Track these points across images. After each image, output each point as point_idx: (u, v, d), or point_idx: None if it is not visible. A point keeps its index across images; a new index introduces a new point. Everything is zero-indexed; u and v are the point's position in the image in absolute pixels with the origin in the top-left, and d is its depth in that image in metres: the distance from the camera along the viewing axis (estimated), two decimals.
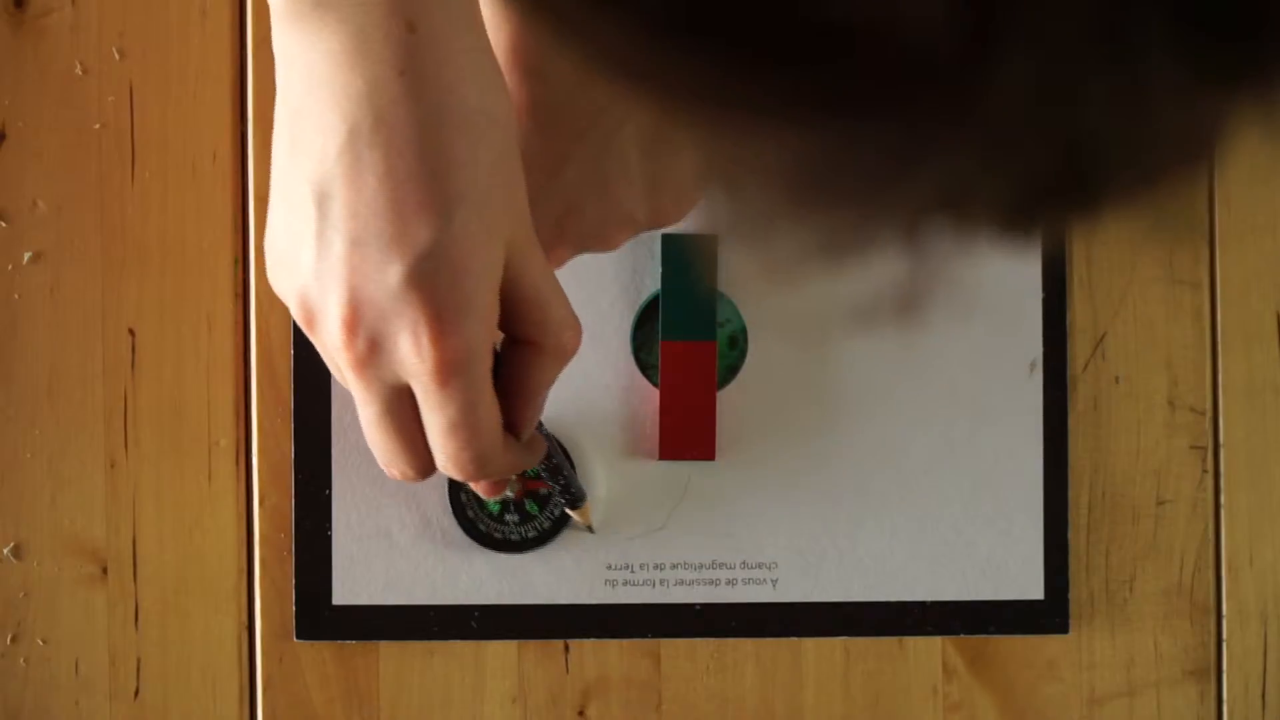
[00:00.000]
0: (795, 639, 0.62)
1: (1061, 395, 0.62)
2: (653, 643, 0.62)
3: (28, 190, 0.61)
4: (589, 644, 0.62)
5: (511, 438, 0.47)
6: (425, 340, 0.42)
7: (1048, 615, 0.62)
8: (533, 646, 0.62)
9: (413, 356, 0.42)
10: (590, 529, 0.60)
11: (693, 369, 0.61)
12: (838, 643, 0.62)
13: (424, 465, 0.46)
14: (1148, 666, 0.63)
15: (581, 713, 0.62)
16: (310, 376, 0.61)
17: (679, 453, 0.61)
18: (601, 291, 0.61)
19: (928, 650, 0.62)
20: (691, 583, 0.61)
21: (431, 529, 0.61)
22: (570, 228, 0.52)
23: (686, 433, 0.61)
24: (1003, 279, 0.62)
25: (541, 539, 0.60)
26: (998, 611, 0.62)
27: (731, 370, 0.62)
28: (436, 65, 0.41)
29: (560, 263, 0.52)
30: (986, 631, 0.62)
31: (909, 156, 0.23)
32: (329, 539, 0.61)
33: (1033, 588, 0.62)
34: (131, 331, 0.62)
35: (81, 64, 0.62)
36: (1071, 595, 0.62)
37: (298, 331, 0.61)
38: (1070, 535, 0.62)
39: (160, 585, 0.61)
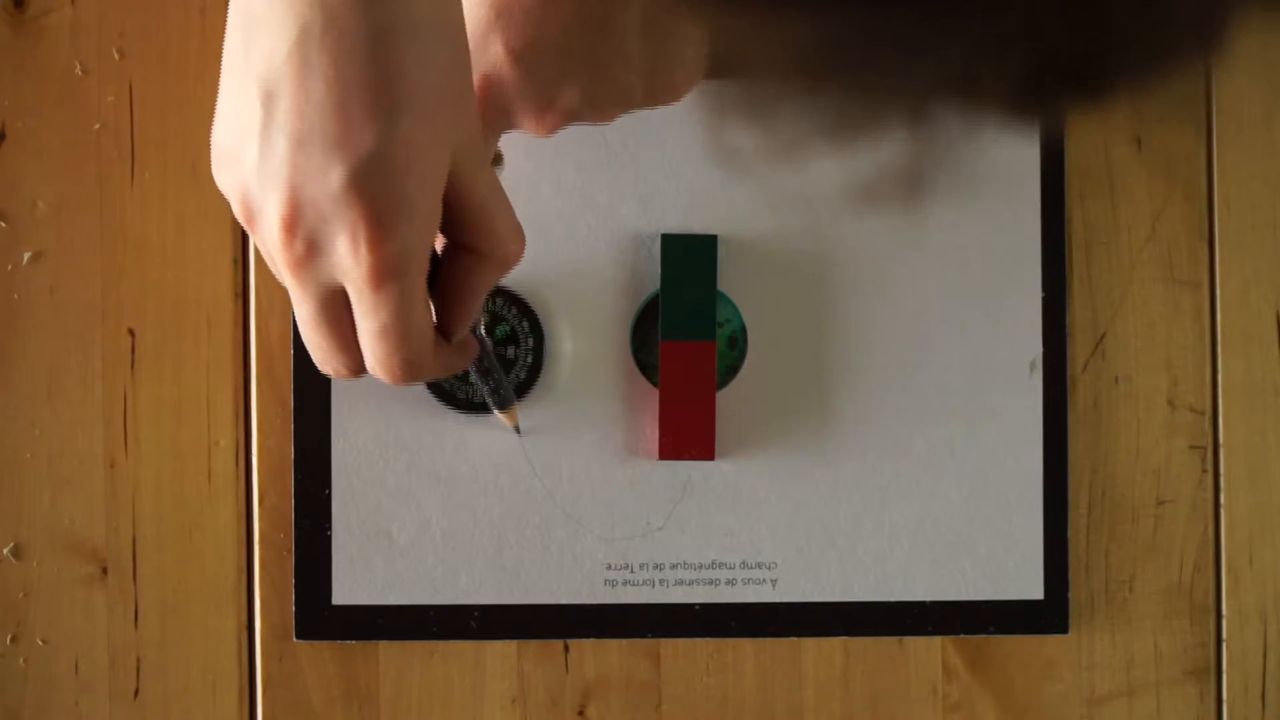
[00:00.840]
0: (795, 639, 0.62)
1: (1061, 395, 0.62)
2: (652, 643, 0.62)
3: (28, 190, 0.61)
4: (589, 644, 0.62)
5: (443, 341, 0.47)
6: (362, 244, 0.42)
7: (1047, 615, 0.62)
8: (533, 646, 0.62)
9: (349, 260, 0.42)
10: (517, 430, 0.60)
11: (693, 369, 0.61)
12: (838, 643, 0.62)
13: (357, 365, 0.46)
14: (1148, 666, 0.63)
15: (581, 713, 0.62)
16: (310, 376, 0.61)
17: (679, 453, 0.61)
18: (601, 291, 0.61)
19: (928, 650, 0.62)
20: (691, 583, 0.61)
21: (431, 529, 0.61)
22: (563, 100, 0.51)
23: (686, 433, 0.61)
24: (1003, 279, 0.62)
25: (505, 402, 0.60)
26: (998, 611, 0.62)
27: (731, 370, 0.62)
28: None
29: (550, 130, 0.52)
30: (986, 631, 0.62)
31: (923, 40, 0.24)
32: (329, 539, 0.61)
33: (1033, 588, 0.62)
34: (131, 331, 0.62)
35: (81, 64, 0.62)
36: (1071, 595, 0.62)
37: (297, 331, 0.61)
38: (1070, 535, 0.62)
39: (160, 585, 0.61)
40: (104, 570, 0.61)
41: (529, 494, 0.61)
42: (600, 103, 0.51)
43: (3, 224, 0.61)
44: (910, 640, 0.62)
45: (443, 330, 0.47)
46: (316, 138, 0.41)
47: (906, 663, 0.62)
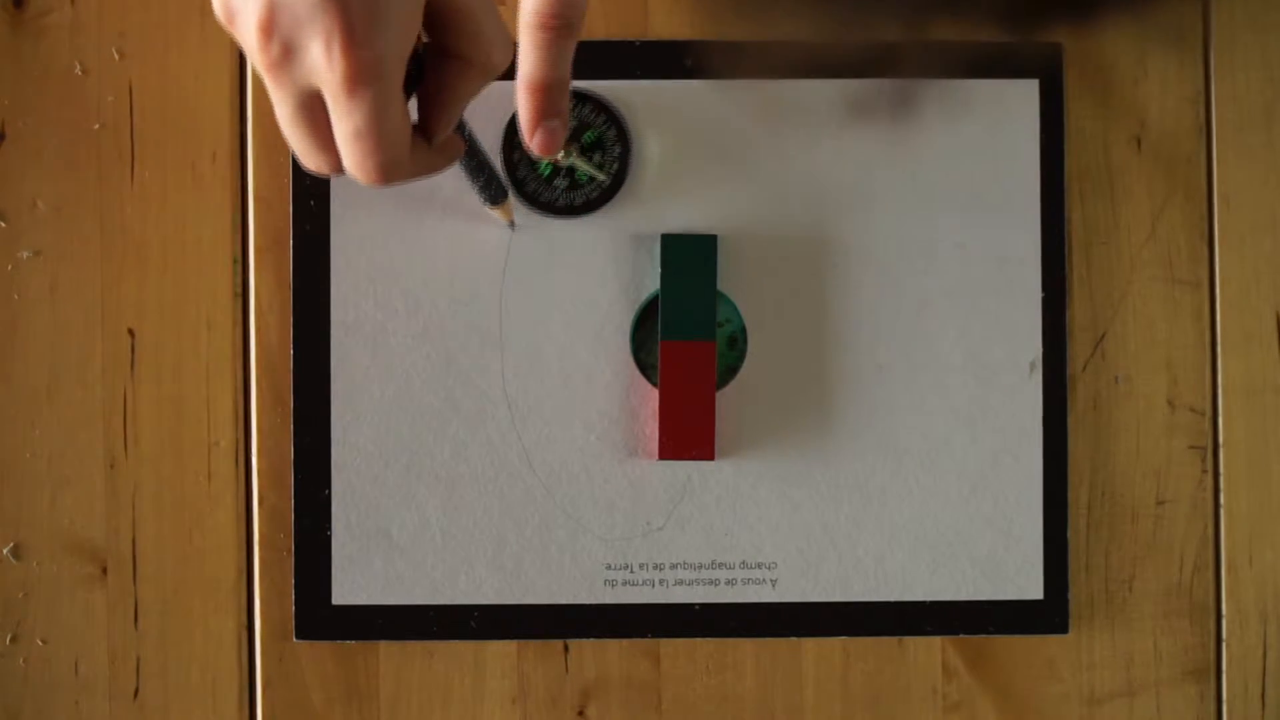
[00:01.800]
0: (795, 639, 0.62)
1: (1061, 395, 0.62)
2: (652, 643, 0.62)
3: (28, 190, 0.61)
4: (589, 644, 0.62)
5: (424, 143, 0.47)
6: (336, 50, 0.42)
7: (1048, 615, 0.62)
8: (533, 646, 0.62)
9: (323, 64, 0.43)
10: (511, 225, 0.61)
11: (693, 369, 0.61)
12: (838, 643, 0.62)
13: (337, 163, 0.46)
14: (1148, 666, 0.63)
15: (581, 713, 0.62)
16: (310, 376, 0.61)
17: (679, 453, 0.61)
18: (601, 291, 0.61)
19: (928, 650, 0.62)
20: (691, 583, 0.61)
21: (431, 529, 0.61)
22: None
23: (686, 433, 0.61)
24: (1003, 279, 0.62)
25: (588, 207, 0.61)
26: (998, 611, 0.62)
27: (731, 370, 0.62)
28: None
29: None
30: (986, 631, 0.62)
31: None
32: (329, 539, 0.61)
33: (1033, 588, 0.62)
34: (131, 331, 0.62)
35: (81, 64, 0.62)
36: (1071, 595, 0.62)
37: (297, 331, 0.61)
38: (1070, 535, 0.62)
39: (160, 585, 0.61)
40: (104, 570, 0.61)
41: (529, 494, 0.61)
42: None
43: (3, 224, 0.62)
44: (910, 640, 0.62)
45: (424, 132, 0.48)
46: None
47: (906, 663, 0.62)
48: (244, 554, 0.62)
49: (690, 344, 0.61)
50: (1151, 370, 0.63)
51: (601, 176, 0.61)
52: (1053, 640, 0.62)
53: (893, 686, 0.62)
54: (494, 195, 0.58)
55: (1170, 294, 0.63)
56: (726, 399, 0.61)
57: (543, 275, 0.61)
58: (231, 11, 0.44)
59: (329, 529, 0.61)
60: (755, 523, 0.61)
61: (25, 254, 0.61)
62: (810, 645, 0.62)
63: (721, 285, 0.61)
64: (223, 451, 0.62)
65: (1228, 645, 0.63)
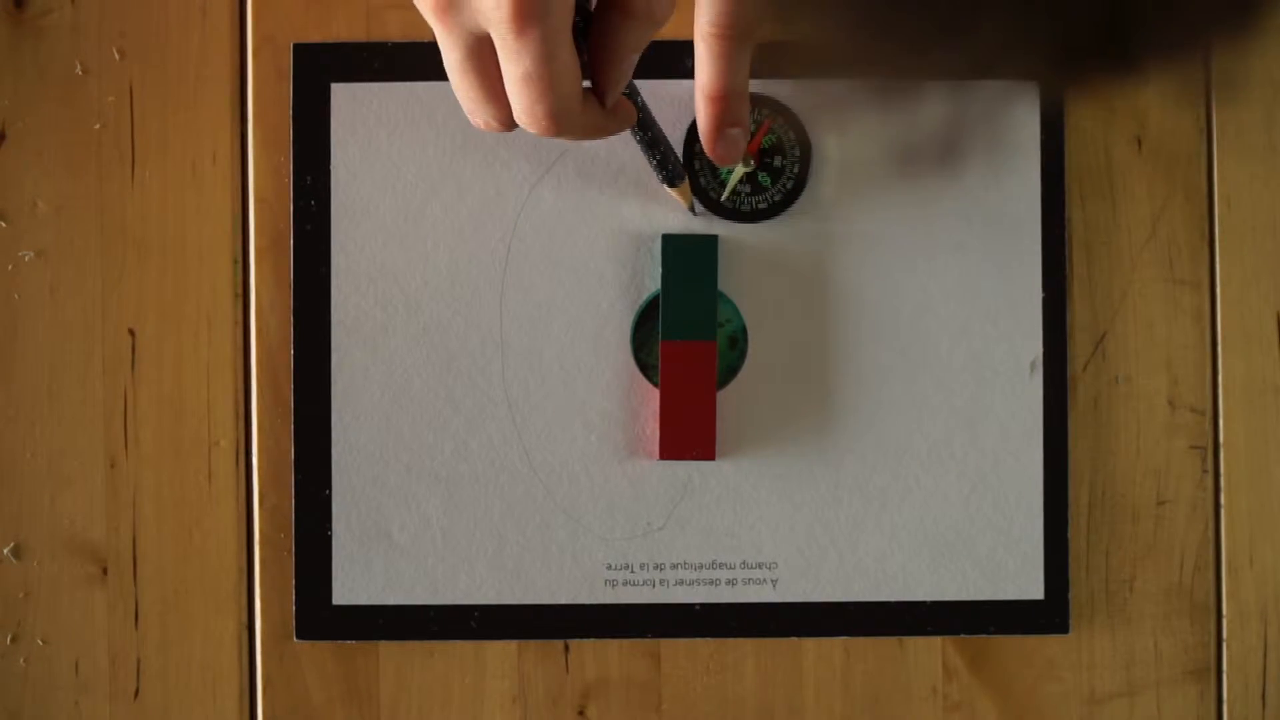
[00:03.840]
0: (795, 639, 0.62)
1: (1061, 395, 0.62)
2: (653, 643, 0.62)
3: (28, 190, 0.61)
4: (589, 644, 0.62)
5: (595, 100, 0.47)
6: None
7: (1048, 615, 0.62)
8: (533, 646, 0.62)
9: (490, 4, 0.42)
10: (692, 209, 0.60)
11: (693, 369, 0.61)
12: (838, 643, 0.62)
13: (505, 116, 0.46)
14: (1148, 666, 0.63)
15: (581, 713, 0.62)
16: (310, 376, 0.61)
17: (679, 453, 0.61)
18: (601, 291, 0.61)
19: (928, 650, 0.62)
20: (691, 583, 0.61)
21: (431, 529, 0.61)
22: None
23: (686, 433, 0.61)
24: (1003, 279, 0.62)
25: (771, 211, 0.60)
26: (998, 611, 0.62)
27: (731, 370, 0.62)
28: None
29: None
30: (986, 631, 0.62)
31: (961, 11, 0.24)
32: (329, 539, 0.61)
33: (1033, 588, 0.62)
34: (131, 331, 0.62)
35: (81, 64, 0.62)
36: (1071, 595, 0.62)
37: (298, 331, 0.61)
38: (1070, 535, 0.62)
39: (160, 585, 0.61)
40: (104, 570, 0.61)
41: (529, 494, 0.61)
42: None
43: (3, 224, 0.62)
44: (910, 640, 0.62)
45: (597, 92, 0.47)
46: None
47: (906, 663, 0.62)
48: (244, 554, 0.62)
49: (690, 344, 0.61)
50: (1152, 370, 0.63)
51: (785, 180, 0.61)
52: (1053, 640, 0.62)
53: (893, 686, 0.62)
54: (671, 175, 0.58)
55: (1170, 294, 0.63)
56: (726, 399, 0.61)
57: (543, 275, 0.61)
58: None
59: (329, 529, 0.61)
60: (755, 523, 0.61)
61: (25, 254, 0.61)
62: (810, 645, 0.62)
63: (722, 285, 0.61)
64: (223, 451, 0.62)
65: (1228, 645, 0.63)
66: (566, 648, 0.62)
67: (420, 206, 0.61)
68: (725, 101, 0.52)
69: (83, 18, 0.62)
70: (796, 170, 0.61)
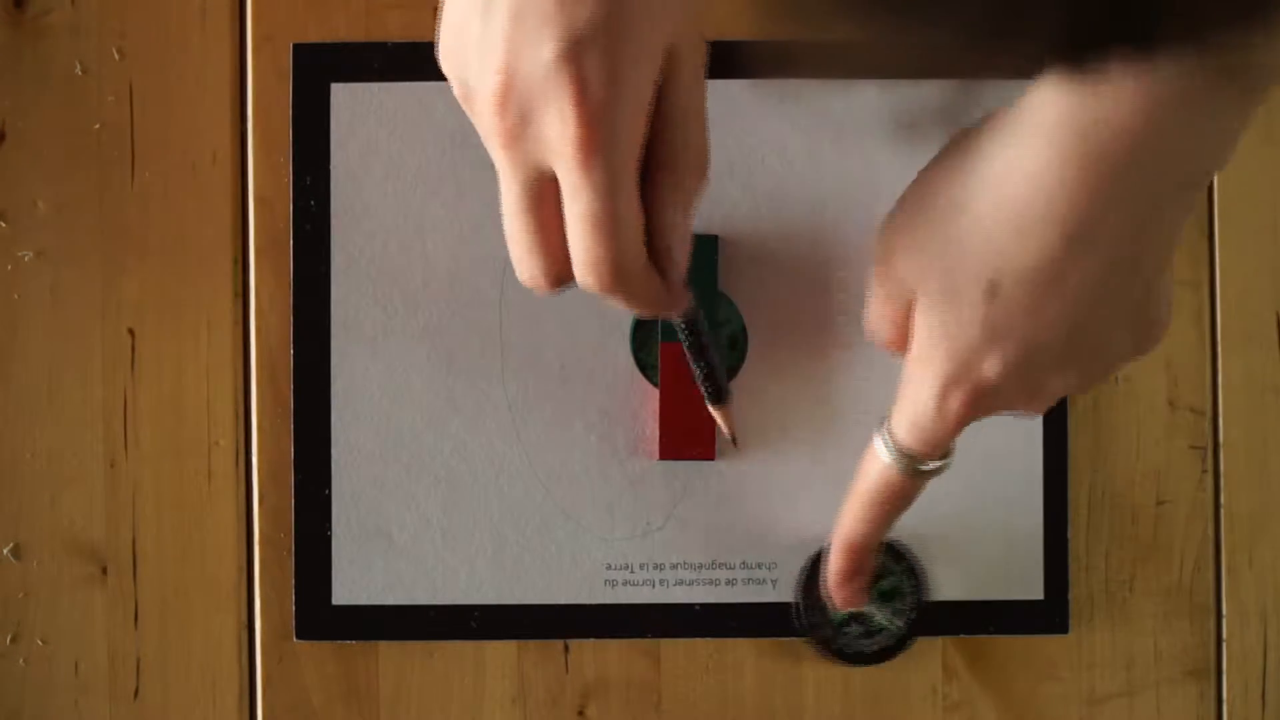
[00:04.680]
0: (795, 639, 0.62)
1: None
2: (652, 643, 0.62)
3: (28, 190, 0.61)
4: (589, 644, 0.62)
5: (655, 272, 0.46)
6: (570, 118, 0.41)
7: (1048, 615, 0.62)
8: (533, 646, 0.62)
9: (557, 133, 0.42)
10: (734, 439, 0.59)
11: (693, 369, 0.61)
12: None
13: (556, 269, 0.45)
14: (1148, 666, 0.63)
15: (581, 713, 0.62)
16: (310, 376, 0.61)
17: (679, 453, 0.61)
18: None
19: (928, 650, 0.62)
20: (691, 583, 0.61)
21: (431, 529, 0.61)
22: (1055, 387, 0.47)
23: (686, 433, 0.61)
24: None
25: (882, 655, 0.61)
26: (998, 611, 0.62)
27: (731, 370, 0.62)
28: None
29: (1039, 411, 0.48)
30: (986, 631, 0.62)
31: None
32: (329, 539, 0.61)
33: (1033, 588, 0.62)
34: (131, 331, 0.62)
35: (81, 64, 0.62)
36: (1071, 595, 0.62)
37: (297, 331, 0.61)
38: (1070, 535, 0.62)
39: (160, 585, 0.61)
40: (104, 570, 0.61)
41: (529, 494, 0.61)
42: (1091, 379, 0.47)
43: (3, 224, 0.62)
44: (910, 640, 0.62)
45: (655, 257, 0.47)
46: (533, 10, 0.41)
47: (906, 663, 0.62)
48: (244, 554, 0.62)
49: None
50: (1151, 370, 0.63)
51: (897, 625, 0.61)
52: (1053, 640, 0.62)
53: (893, 686, 0.62)
54: (714, 392, 0.57)
55: None
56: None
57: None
58: (469, 89, 0.43)
59: (329, 529, 0.61)
60: (755, 523, 0.61)
61: (25, 254, 0.61)
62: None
63: (721, 285, 0.61)
64: (223, 451, 0.62)
65: (1228, 645, 0.63)
66: (566, 648, 0.62)
67: (420, 206, 0.61)
68: (863, 555, 0.53)
69: (83, 18, 0.62)
70: (913, 615, 0.61)
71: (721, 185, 0.61)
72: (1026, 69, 0.25)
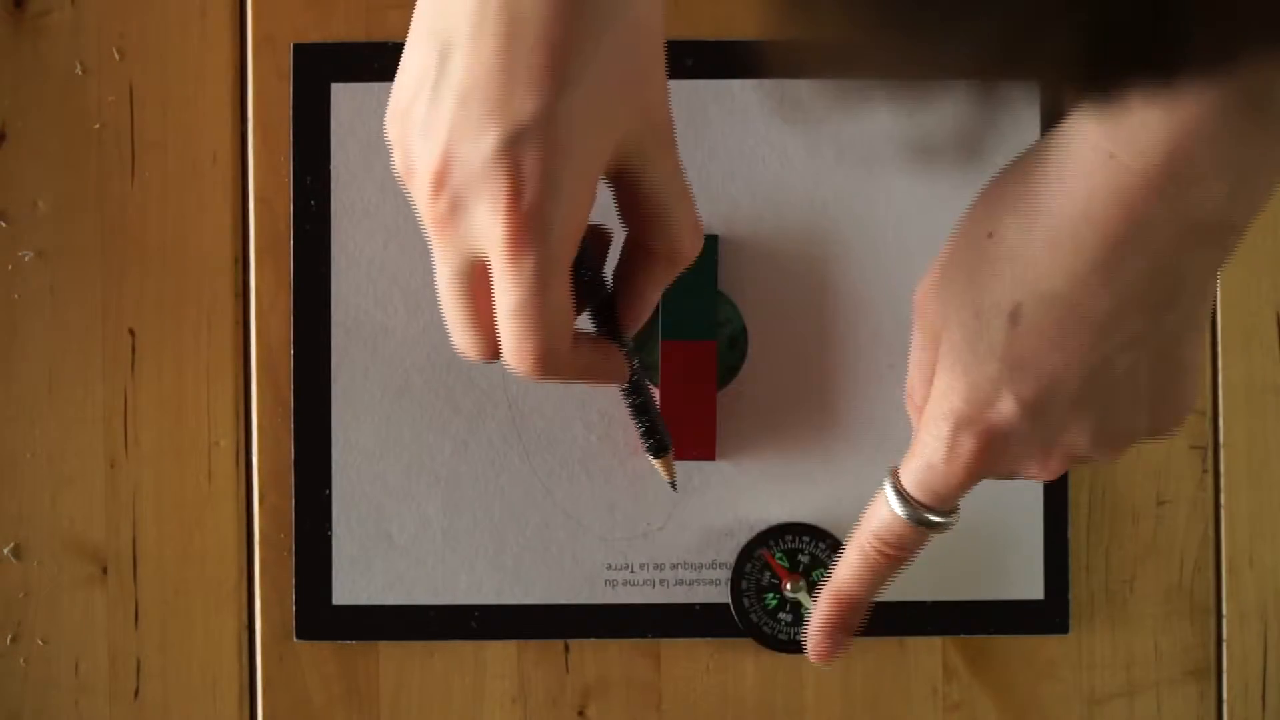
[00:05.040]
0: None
1: None
2: (652, 643, 0.62)
3: (28, 190, 0.61)
4: (589, 644, 0.62)
5: (586, 346, 0.46)
6: (502, 209, 0.41)
7: (1048, 615, 0.62)
8: (533, 646, 0.62)
9: (488, 223, 0.42)
10: (673, 484, 0.59)
11: (693, 369, 0.61)
12: None
13: (487, 346, 0.45)
14: (1148, 666, 0.63)
15: (581, 713, 0.62)
16: (310, 376, 0.61)
17: (679, 453, 0.61)
18: None
19: (928, 650, 0.62)
20: (691, 583, 0.61)
21: (431, 529, 0.61)
22: (1070, 442, 0.46)
23: (686, 433, 0.61)
24: None
25: (657, 451, 0.59)
26: (998, 611, 0.62)
27: (731, 370, 0.62)
28: None
29: (1053, 475, 0.47)
30: (986, 631, 0.62)
31: (977, 3, 0.23)
32: (329, 539, 0.61)
33: (1033, 588, 0.62)
34: (131, 331, 0.62)
35: (81, 64, 0.62)
36: (1071, 595, 0.62)
37: (297, 331, 0.61)
38: (1070, 535, 0.62)
39: (160, 585, 0.61)
40: (104, 570, 0.61)
41: (529, 494, 0.61)
42: (1104, 443, 0.46)
43: (3, 224, 0.62)
44: (910, 640, 0.62)
45: (603, 330, 0.47)
46: (479, 98, 0.41)
47: (906, 663, 0.62)
48: (244, 554, 0.62)
49: (690, 344, 0.61)
50: None
51: None
52: (1053, 640, 0.62)
53: (893, 686, 0.62)
54: (656, 446, 0.57)
55: None
56: (726, 399, 0.61)
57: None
58: (409, 163, 0.43)
59: (329, 529, 0.61)
60: (755, 523, 0.61)
61: (25, 254, 0.61)
62: None
63: (721, 285, 0.61)
64: (223, 451, 0.62)
65: (1228, 645, 0.63)
66: (566, 648, 0.62)
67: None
68: (851, 609, 0.51)
69: (83, 18, 0.62)
70: None
71: (721, 185, 0.61)
72: (1049, 97, 0.25)
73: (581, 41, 0.41)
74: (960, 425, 0.45)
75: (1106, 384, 0.44)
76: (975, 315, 0.44)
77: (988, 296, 0.44)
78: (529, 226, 0.41)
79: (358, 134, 0.61)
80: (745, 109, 0.61)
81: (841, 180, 0.61)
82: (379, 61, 0.61)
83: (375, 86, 0.61)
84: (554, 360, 0.44)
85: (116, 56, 0.62)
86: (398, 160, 0.44)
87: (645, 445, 0.57)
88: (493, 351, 0.45)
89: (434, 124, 0.42)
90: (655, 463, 0.58)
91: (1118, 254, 0.42)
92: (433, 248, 0.44)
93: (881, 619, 0.62)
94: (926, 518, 0.48)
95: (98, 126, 0.62)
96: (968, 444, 0.45)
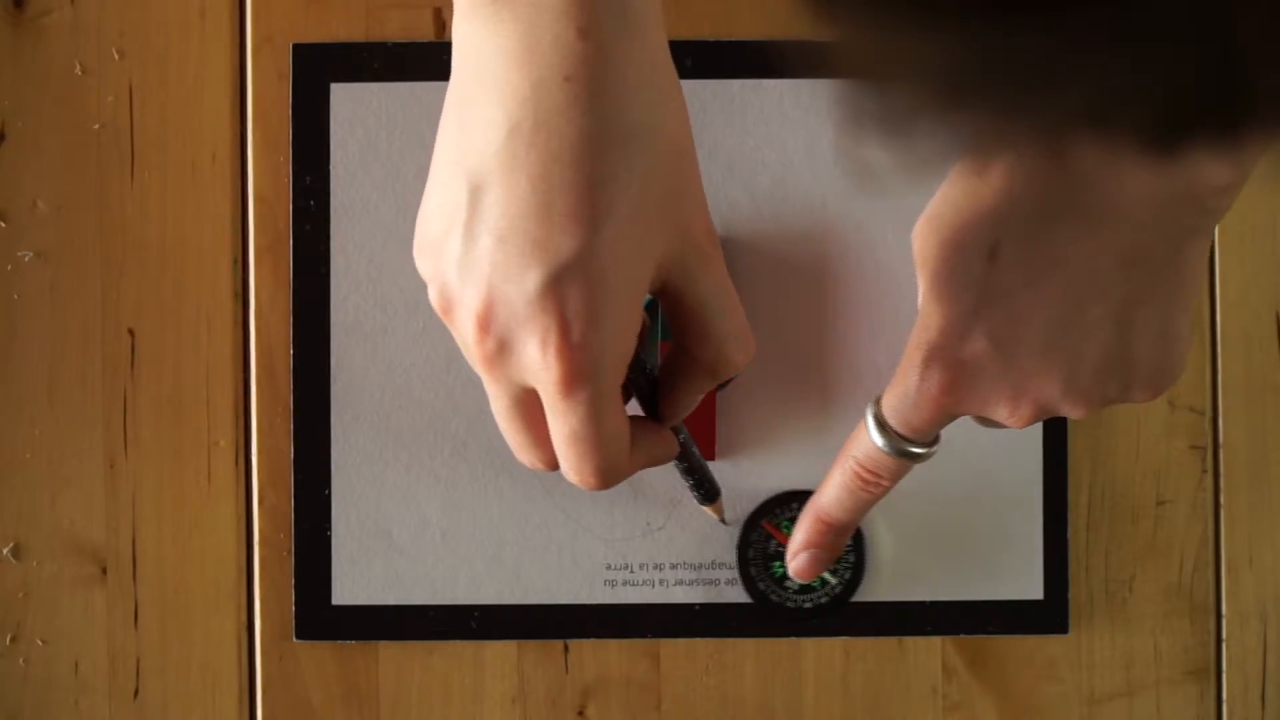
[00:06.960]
0: (795, 639, 0.62)
1: None
2: (653, 643, 0.62)
3: (28, 190, 0.61)
4: (589, 644, 0.62)
5: (641, 441, 0.47)
6: (552, 349, 0.41)
7: (1047, 615, 0.62)
8: (533, 646, 0.62)
9: (539, 364, 0.42)
10: (723, 520, 0.60)
11: None
12: (837, 643, 0.62)
13: (553, 461, 0.46)
14: (1148, 666, 0.63)
15: (581, 713, 0.62)
16: (310, 376, 0.61)
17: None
18: None
19: (928, 650, 0.62)
20: (691, 583, 0.61)
21: (431, 529, 0.61)
22: (1040, 390, 0.46)
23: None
24: None
25: (817, 613, 0.61)
26: (998, 611, 0.62)
27: None
28: (603, 74, 0.41)
29: (1024, 422, 0.48)
30: (986, 631, 0.62)
31: (1060, 63, 0.23)
32: (329, 539, 0.61)
33: (1033, 588, 0.62)
34: (131, 331, 0.62)
35: (81, 64, 0.62)
36: (1071, 595, 0.62)
37: (297, 331, 0.61)
38: (1070, 535, 0.62)
39: (160, 585, 0.61)
40: (104, 570, 0.61)
41: (529, 494, 0.61)
42: (1074, 395, 0.47)
43: (3, 224, 0.62)
44: (910, 640, 0.62)
45: (654, 418, 0.48)
46: (518, 237, 0.41)
47: (906, 663, 0.62)
48: (244, 554, 0.62)
49: None
50: None
51: (834, 584, 0.61)
52: (1053, 640, 0.62)
53: (893, 686, 0.62)
54: (706, 495, 0.58)
55: None
56: (726, 399, 0.61)
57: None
58: (449, 302, 0.43)
59: (329, 529, 0.61)
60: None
61: (25, 254, 0.61)
62: (810, 645, 0.62)
63: None
64: (223, 451, 0.62)
65: (1228, 645, 0.63)
66: (566, 648, 0.62)
67: (420, 207, 0.61)
68: (831, 529, 0.53)
69: (83, 18, 0.62)
70: (850, 575, 0.61)
71: (721, 185, 0.61)
72: (1112, 153, 0.25)
73: (616, 172, 0.41)
74: (932, 356, 0.46)
75: (1078, 333, 0.45)
76: (957, 249, 0.45)
77: (970, 233, 0.45)
78: (579, 363, 0.41)
79: (357, 134, 0.61)
80: (745, 109, 0.61)
81: (841, 180, 0.61)
82: (378, 62, 0.61)
83: (375, 86, 0.61)
84: (614, 473, 0.45)
85: (116, 56, 0.62)
86: (434, 297, 0.44)
87: (695, 496, 0.59)
88: (556, 463, 0.46)
89: (473, 264, 0.42)
90: (707, 509, 0.60)
91: (1101, 207, 0.43)
92: (484, 382, 0.44)
93: (881, 619, 0.62)
94: (905, 448, 0.49)
95: (97, 127, 0.62)
96: (937, 375, 0.46)
